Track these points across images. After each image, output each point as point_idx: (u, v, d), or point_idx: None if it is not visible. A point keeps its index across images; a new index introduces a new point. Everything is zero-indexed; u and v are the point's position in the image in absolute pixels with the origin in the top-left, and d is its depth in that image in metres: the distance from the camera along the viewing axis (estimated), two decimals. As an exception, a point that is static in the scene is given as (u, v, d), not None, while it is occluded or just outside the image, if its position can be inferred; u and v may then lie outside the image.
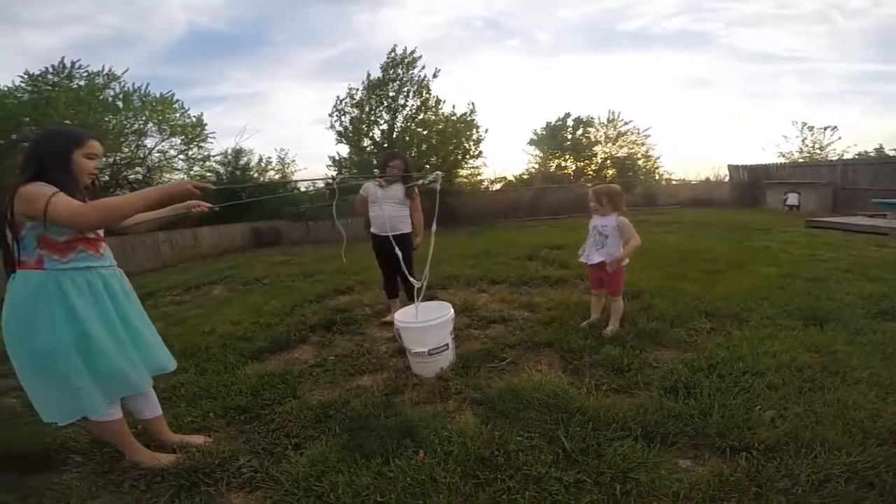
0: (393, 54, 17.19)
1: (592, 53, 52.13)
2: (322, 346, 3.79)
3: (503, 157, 60.89)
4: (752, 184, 18.65)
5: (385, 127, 17.50)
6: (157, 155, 18.19)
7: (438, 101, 17.58)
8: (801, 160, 21.40)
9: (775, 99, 45.54)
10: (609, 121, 24.67)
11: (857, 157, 19.42)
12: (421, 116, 17.39)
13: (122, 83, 16.02)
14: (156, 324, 2.35)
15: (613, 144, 24.79)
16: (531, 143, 25.69)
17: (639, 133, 24.66)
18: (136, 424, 2.32)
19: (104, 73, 15.58)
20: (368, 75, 17.26)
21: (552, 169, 24.88)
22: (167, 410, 2.43)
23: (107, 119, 15.20)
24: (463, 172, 18.72)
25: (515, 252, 7.98)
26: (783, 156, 23.15)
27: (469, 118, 17.85)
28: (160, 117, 17.30)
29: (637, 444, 2.00)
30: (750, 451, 1.92)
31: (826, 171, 15.68)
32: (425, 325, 2.98)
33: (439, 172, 3.61)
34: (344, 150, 18.45)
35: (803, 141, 23.08)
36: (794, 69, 44.47)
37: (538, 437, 2.12)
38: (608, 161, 24.53)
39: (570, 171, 24.87)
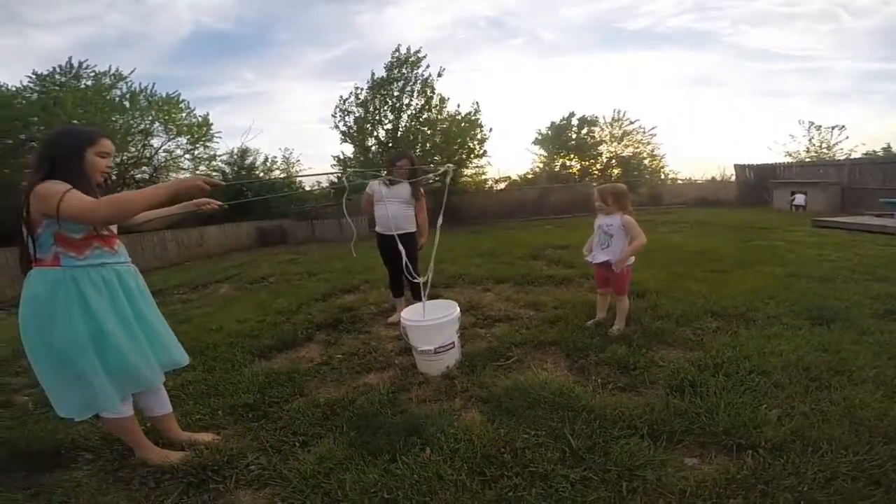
0: (397, 54, 17.20)
1: (597, 52, 52.16)
2: (328, 344, 3.81)
3: (507, 156, 60.87)
4: (758, 183, 18.57)
5: (390, 126, 17.51)
6: (163, 154, 18.29)
7: (443, 100, 17.57)
8: (808, 160, 21.28)
9: (782, 98, 45.45)
10: (614, 120, 24.63)
11: (864, 156, 19.29)
12: (425, 116, 17.38)
13: (129, 83, 16.14)
14: (164, 322, 2.36)
15: (619, 144, 24.74)
16: (535, 142, 25.68)
17: (644, 132, 24.62)
18: (145, 422, 2.35)
19: (111, 73, 15.69)
20: (373, 74, 17.28)
21: (557, 168, 24.87)
22: (176, 408, 2.45)
23: (114, 119, 15.28)
24: (467, 172, 18.72)
25: (520, 251, 7.99)
26: (790, 155, 23.03)
27: (473, 117, 17.84)
28: (166, 117, 17.39)
29: (643, 442, 2.00)
30: (756, 449, 1.92)
31: (833, 171, 15.59)
32: (431, 323, 3.00)
33: (451, 165, 3.62)
34: (348, 149, 18.50)
35: (810, 140, 22.96)
36: (800, 68, 44.37)
37: (544, 435, 2.12)
38: (613, 160, 24.49)
39: (574, 170, 24.85)
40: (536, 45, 52.16)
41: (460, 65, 50.71)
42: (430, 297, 3.36)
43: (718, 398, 2.29)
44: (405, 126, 17.33)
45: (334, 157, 18.90)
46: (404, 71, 17.25)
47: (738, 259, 6.16)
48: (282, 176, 21.01)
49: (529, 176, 25.62)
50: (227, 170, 19.58)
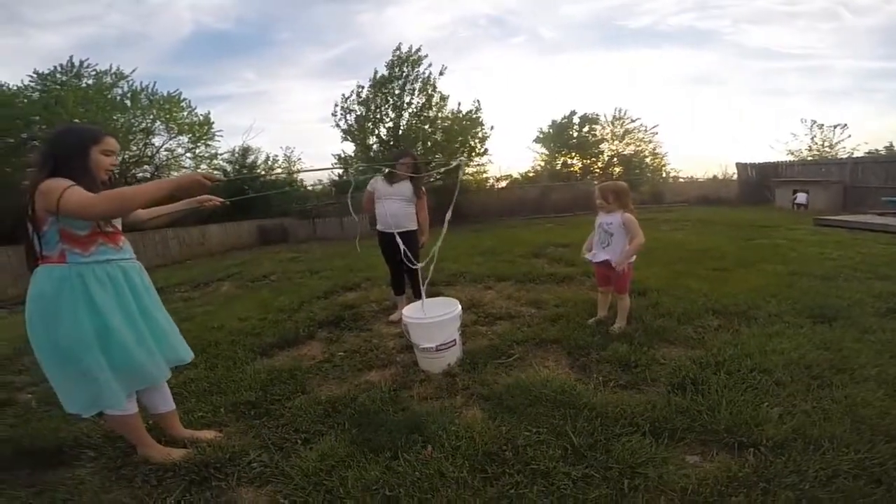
0: (398, 52, 17.20)
1: (598, 50, 52.10)
2: (330, 341, 3.81)
3: (509, 154, 60.91)
4: (760, 182, 18.53)
5: (391, 125, 17.51)
6: (164, 153, 18.35)
7: (443, 98, 17.57)
8: (810, 158, 21.24)
9: (783, 96, 45.40)
10: (615, 118, 24.62)
11: (866, 154, 19.24)
12: (426, 114, 17.38)
13: (130, 82, 16.15)
14: (166, 320, 2.37)
15: (620, 142, 24.73)
16: (537, 140, 25.68)
17: (646, 130, 24.60)
18: (148, 419, 2.35)
19: (112, 72, 15.71)
20: (376, 73, 17.29)
21: (558, 167, 24.86)
22: (178, 406, 2.45)
23: (115, 117, 15.31)
24: (469, 170, 18.72)
25: (521, 249, 7.99)
26: (792, 153, 23.00)
27: (474, 116, 17.84)
28: (168, 116, 17.42)
29: (645, 440, 2.01)
30: (758, 447, 1.92)
31: (836, 170, 15.56)
32: (433, 320, 3.00)
33: (463, 157, 3.63)
34: (349, 148, 18.52)
35: (812, 139, 22.93)
36: (802, 66, 44.29)
37: (546, 433, 2.12)
38: (615, 158, 24.47)
39: (576, 168, 24.84)
40: (537, 43, 52.21)
41: (461, 63, 50.87)
42: (432, 295, 3.36)
43: (720, 396, 2.29)
44: (406, 124, 17.33)
45: (335, 156, 18.93)
46: (405, 69, 17.25)
47: (739, 257, 6.15)
48: (282, 175, 21.01)
49: (531, 174, 25.64)
50: (229, 168, 19.60)
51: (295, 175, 20.31)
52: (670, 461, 1.89)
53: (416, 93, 17.49)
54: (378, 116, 17.63)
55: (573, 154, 24.81)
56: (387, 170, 4.19)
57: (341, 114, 17.94)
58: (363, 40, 48.09)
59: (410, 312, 3.21)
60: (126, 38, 33.39)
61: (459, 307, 3.18)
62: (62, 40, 32.41)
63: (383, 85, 17.32)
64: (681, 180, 24.35)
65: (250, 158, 20.38)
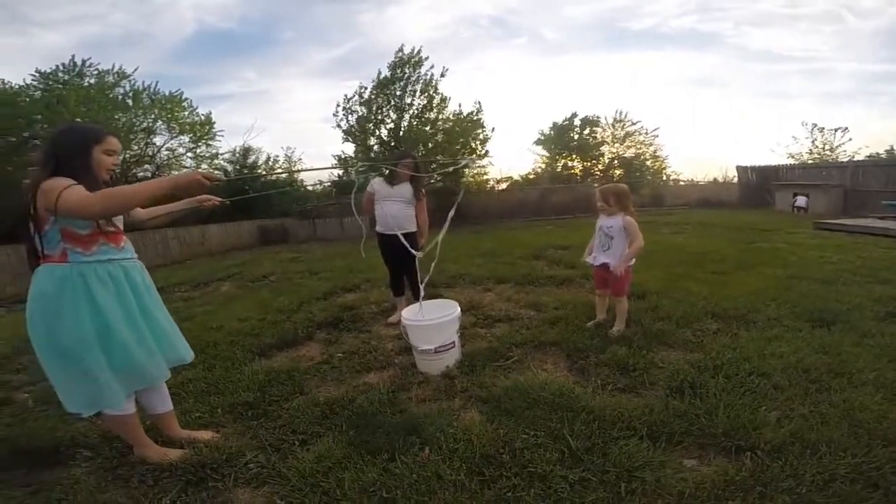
0: (401, 54, 17.22)
1: (600, 52, 52.17)
2: (329, 343, 3.81)
3: (509, 156, 61.04)
4: (760, 185, 18.53)
5: (392, 126, 17.53)
6: (165, 153, 18.36)
7: (444, 99, 17.59)
8: (810, 161, 21.24)
9: (785, 99, 45.44)
10: (616, 121, 24.62)
11: (867, 158, 19.24)
12: (427, 115, 17.40)
13: (132, 81, 16.17)
14: (165, 320, 2.37)
15: (621, 144, 24.74)
16: (538, 142, 25.69)
17: (646, 133, 24.61)
18: (145, 419, 2.35)
19: (114, 71, 15.73)
20: (379, 73, 17.31)
21: (559, 169, 24.86)
22: (176, 406, 2.45)
23: (117, 117, 15.32)
24: (469, 171, 18.73)
25: (521, 251, 8.00)
26: (792, 157, 23.01)
27: (476, 117, 17.85)
28: (169, 115, 17.43)
29: (642, 444, 2.00)
30: (755, 451, 1.92)
31: (836, 173, 15.56)
32: (432, 322, 3.00)
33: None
34: (350, 149, 18.52)
35: (813, 142, 22.93)
36: (804, 69, 44.34)
37: (543, 436, 2.12)
38: (615, 161, 24.47)
39: (576, 170, 24.84)
40: (539, 44, 52.31)
41: (462, 64, 51.07)
42: (431, 297, 3.36)
43: (718, 400, 2.29)
44: (407, 125, 17.34)
45: (335, 157, 18.94)
46: (407, 70, 17.26)
47: (739, 261, 6.15)
48: (283, 175, 21.02)
49: (531, 176, 25.64)
50: (230, 168, 19.62)
51: (295, 175, 20.32)
52: (668, 465, 1.88)
53: (418, 94, 17.51)
54: (379, 117, 17.64)
55: (574, 156, 24.81)
56: (387, 171, 4.19)
57: (343, 114, 17.96)
58: (365, 40, 48.28)
59: (409, 314, 3.21)
60: (129, 37, 33.50)
61: (458, 309, 3.18)
62: (65, 39, 32.55)
63: (385, 86, 17.34)
64: (681, 183, 24.35)
65: (251, 158, 20.40)
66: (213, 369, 3.27)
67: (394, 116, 17.53)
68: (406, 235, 4.00)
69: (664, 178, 25.19)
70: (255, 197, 13.85)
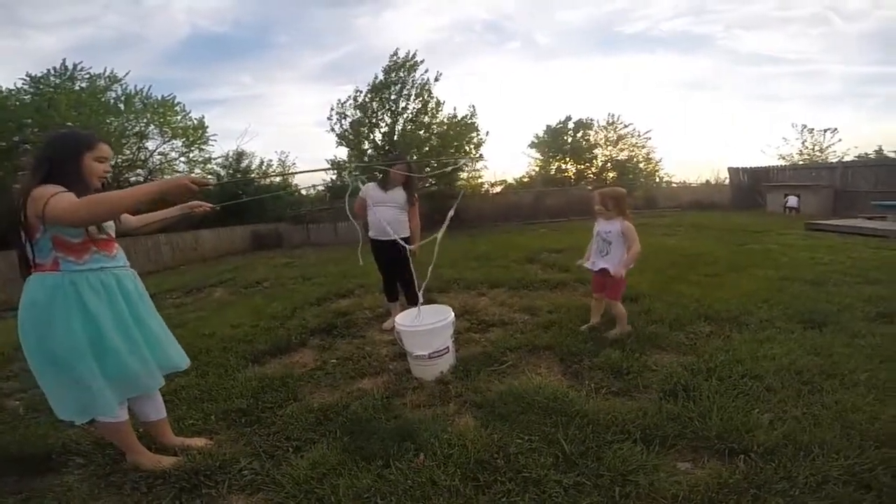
0: (395, 58, 17.24)
1: (593, 56, 52.47)
2: (323, 349, 3.80)
3: (504, 159, 61.24)
4: (752, 186, 18.65)
5: (386, 130, 17.54)
6: (158, 157, 18.28)
7: (439, 104, 17.62)
8: (801, 162, 21.41)
9: (776, 101, 45.83)
10: (609, 123, 24.73)
11: (857, 158, 19.42)
12: (422, 119, 17.42)
13: (124, 85, 16.12)
14: (157, 326, 2.35)
15: (614, 147, 24.84)
16: (532, 145, 25.77)
17: (639, 136, 24.73)
18: (137, 427, 2.33)
19: (106, 75, 15.68)
20: (376, 77, 17.32)
21: (552, 172, 24.93)
22: (169, 413, 2.43)
23: (108, 121, 15.25)
24: (463, 175, 18.75)
25: (515, 255, 8.01)
26: (783, 158, 23.18)
27: (470, 121, 17.88)
28: (161, 119, 17.38)
29: (636, 447, 2.01)
30: (748, 453, 1.93)
31: (826, 174, 15.69)
32: (426, 328, 2.99)
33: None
34: (344, 153, 18.49)
35: (803, 143, 23.12)
36: (794, 71, 44.77)
37: (538, 440, 2.12)
38: (608, 164, 24.57)
39: (570, 173, 24.92)
40: (533, 48, 52.51)
41: (457, 69, 51.13)
42: (426, 302, 3.35)
43: (711, 402, 2.30)
44: (401, 129, 17.35)
45: (328, 161, 18.92)
46: (401, 75, 17.29)
47: (731, 262, 6.18)
48: (276, 178, 20.96)
49: (525, 179, 25.72)
50: (223, 173, 19.57)
51: (288, 177, 20.30)
52: (661, 468, 1.89)
53: (412, 98, 17.53)
54: (374, 121, 17.65)
55: (567, 159, 24.89)
56: (380, 175, 4.18)
57: (336, 118, 17.95)
58: (360, 44, 48.28)
59: (403, 320, 3.20)
60: (123, 39, 33.46)
61: (452, 315, 3.17)
62: (58, 42, 32.39)
63: (380, 90, 17.35)
64: (674, 185, 24.47)
65: (244, 163, 20.36)
66: (206, 376, 3.25)
67: (389, 121, 17.54)
68: (400, 240, 4.00)
69: (657, 180, 25.31)
70: (247, 202, 13.82)
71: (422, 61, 17.30)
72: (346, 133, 17.83)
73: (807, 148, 22.94)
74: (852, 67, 45.46)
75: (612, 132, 24.70)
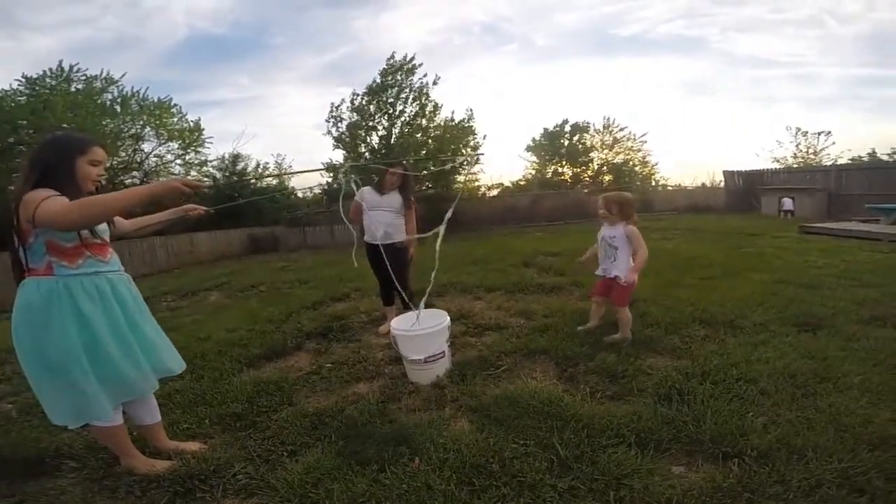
0: (392, 60, 17.27)
1: (590, 58, 52.67)
2: (318, 353, 3.79)
3: (501, 162, 61.32)
4: (747, 190, 18.75)
5: (383, 133, 17.55)
6: (154, 159, 18.25)
7: (436, 107, 17.66)
8: (795, 165, 21.53)
9: (771, 103, 46.11)
10: (605, 127, 24.84)
11: (851, 161, 19.54)
12: (418, 122, 17.45)
13: (121, 87, 16.10)
14: (151, 330, 2.35)
15: (609, 150, 24.94)
16: (528, 149, 25.87)
17: (634, 139, 24.84)
18: (132, 430, 2.32)
19: (102, 76, 15.66)
20: (374, 81, 17.35)
21: (549, 175, 25.02)
22: (163, 417, 2.42)
23: (104, 123, 15.21)
24: (460, 178, 18.78)
25: (512, 259, 8.01)
26: (777, 161, 23.31)
27: (467, 124, 17.91)
28: (158, 122, 17.36)
29: (631, 451, 2.01)
30: (742, 457, 1.93)
31: (820, 177, 15.81)
32: (421, 332, 2.99)
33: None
34: (340, 156, 18.52)
35: (797, 146, 23.28)
36: (789, 74, 45.04)
37: (533, 445, 2.12)
38: (604, 167, 24.67)
39: (566, 176, 25.01)
40: (530, 50, 52.68)
41: (455, 71, 51.24)
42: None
43: (705, 406, 2.31)
44: (398, 133, 17.38)
45: (324, 164, 18.94)
46: (399, 77, 17.31)
47: (727, 266, 6.21)
48: (272, 179, 20.94)
49: (522, 182, 25.79)
50: (219, 175, 19.55)
51: (283, 180, 20.29)
52: (656, 472, 1.89)
53: (409, 101, 17.55)
54: (371, 124, 17.67)
55: (564, 162, 24.98)
56: (376, 179, 4.17)
57: (333, 122, 17.97)
58: (358, 46, 48.34)
59: (399, 324, 3.20)
60: (120, 41, 33.41)
61: (448, 319, 3.17)
62: (56, 43, 32.38)
63: (377, 93, 17.37)
64: (669, 188, 24.57)
65: (240, 165, 20.34)
66: (201, 380, 3.24)
67: (386, 124, 17.56)
68: (395, 245, 4.00)
69: (653, 183, 25.42)
70: (243, 204, 13.79)
71: (420, 64, 17.35)
72: (343, 136, 17.84)
73: (801, 151, 23.11)
74: (847, 70, 45.80)
75: (608, 135, 24.81)
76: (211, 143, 19.44)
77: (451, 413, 2.57)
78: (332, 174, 16.52)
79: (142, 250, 12.45)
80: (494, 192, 23.32)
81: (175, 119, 18.04)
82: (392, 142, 17.18)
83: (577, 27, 51.66)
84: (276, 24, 46.12)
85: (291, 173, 21.36)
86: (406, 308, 3.67)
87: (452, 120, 17.95)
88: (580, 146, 24.59)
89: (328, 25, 48.34)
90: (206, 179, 18.91)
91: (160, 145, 18.11)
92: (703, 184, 23.54)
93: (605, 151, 25.15)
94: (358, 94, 17.68)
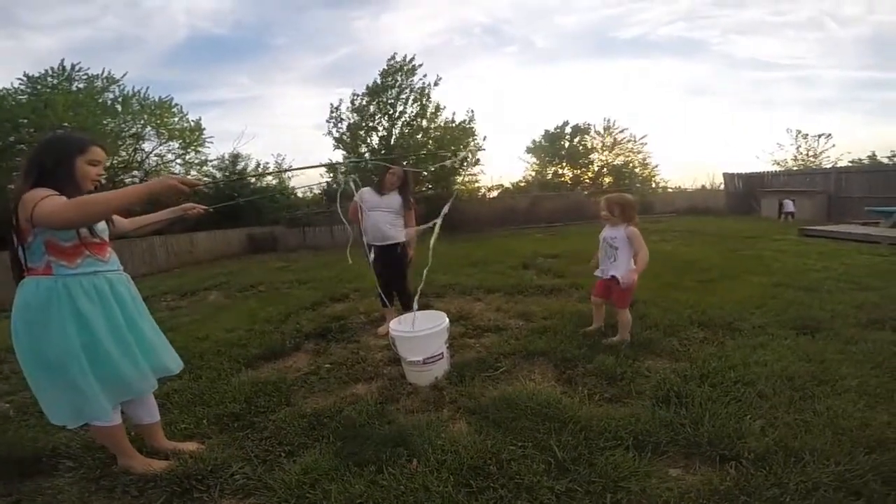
0: (392, 61, 17.29)
1: (590, 60, 52.73)
2: (317, 353, 3.79)
3: (501, 164, 61.35)
4: (747, 192, 18.76)
5: (383, 133, 17.57)
6: (154, 159, 18.24)
7: (438, 108, 17.68)
8: (795, 168, 21.55)
9: (771, 106, 46.22)
10: (605, 129, 24.86)
11: (850, 164, 19.56)
12: (419, 122, 17.47)
13: (122, 86, 16.12)
14: (150, 330, 2.35)
15: (610, 152, 24.96)
16: (528, 150, 25.88)
17: (635, 141, 24.86)
18: (130, 430, 2.32)
19: (103, 76, 15.67)
20: (374, 82, 17.37)
21: (549, 176, 25.03)
22: (161, 417, 2.42)
23: (105, 122, 15.22)
24: (460, 179, 18.82)
25: (511, 260, 8.02)
26: (777, 164, 23.34)
27: (468, 125, 17.93)
28: (158, 121, 17.37)
29: (628, 454, 2.01)
30: (740, 460, 1.93)
31: (820, 179, 15.82)
32: (420, 334, 2.99)
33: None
34: (341, 156, 18.53)
35: (797, 149, 23.31)
36: (789, 76, 45.10)
37: (531, 447, 2.12)
38: (604, 169, 24.68)
39: (566, 178, 25.02)
40: (530, 52, 52.73)
41: (455, 71, 51.31)
42: (421, 308, 3.34)
43: (703, 409, 2.31)
44: (399, 133, 17.39)
45: (324, 165, 18.94)
46: (399, 78, 17.33)
47: (726, 268, 6.22)
48: (268, 175, 20.95)
49: (522, 184, 25.80)
50: (218, 175, 19.56)
51: (283, 180, 20.30)
52: (653, 475, 1.89)
53: (410, 102, 17.57)
54: (371, 125, 17.68)
55: (564, 164, 24.99)
56: (376, 179, 4.17)
57: (333, 122, 17.99)
58: (359, 46, 48.41)
59: (397, 325, 3.20)
60: (121, 41, 33.46)
61: (447, 320, 3.17)
62: (56, 43, 32.45)
63: (377, 94, 17.38)
64: (669, 190, 24.60)
65: (240, 165, 20.35)
66: (199, 380, 3.24)
67: (386, 124, 17.58)
68: (395, 246, 3.99)
69: (653, 185, 25.44)
70: (243, 204, 13.79)
71: (420, 65, 17.37)
72: (344, 137, 17.86)
73: (801, 153, 23.13)
74: (847, 72, 45.89)
75: (609, 137, 24.84)
76: (211, 142, 19.47)
77: (449, 414, 2.57)
78: (331, 174, 16.53)
79: (141, 250, 12.44)
80: (494, 194, 23.33)
81: (176, 119, 18.05)
82: (392, 142, 17.19)
83: (578, 29, 51.82)
84: (277, 24, 46.22)
85: (290, 169, 21.32)
86: (405, 309, 3.67)
87: (453, 121, 17.98)
88: (580, 148, 24.59)
89: (328, 26, 48.44)
90: (205, 179, 18.90)
91: (161, 145, 18.15)
92: (703, 186, 23.59)
93: (606, 153, 25.16)
94: (358, 95, 17.70)
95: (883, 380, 2.59)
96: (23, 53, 29.15)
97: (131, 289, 2.16)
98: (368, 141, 17.85)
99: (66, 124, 12.69)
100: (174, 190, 1.94)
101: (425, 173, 14.38)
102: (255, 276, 9.18)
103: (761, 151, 39.92)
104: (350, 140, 17.83)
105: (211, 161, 19.87)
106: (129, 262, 11.39)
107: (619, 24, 50.82)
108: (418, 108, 17.52)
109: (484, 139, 18.24)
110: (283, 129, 49.65)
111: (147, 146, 17.88)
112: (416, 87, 17.47)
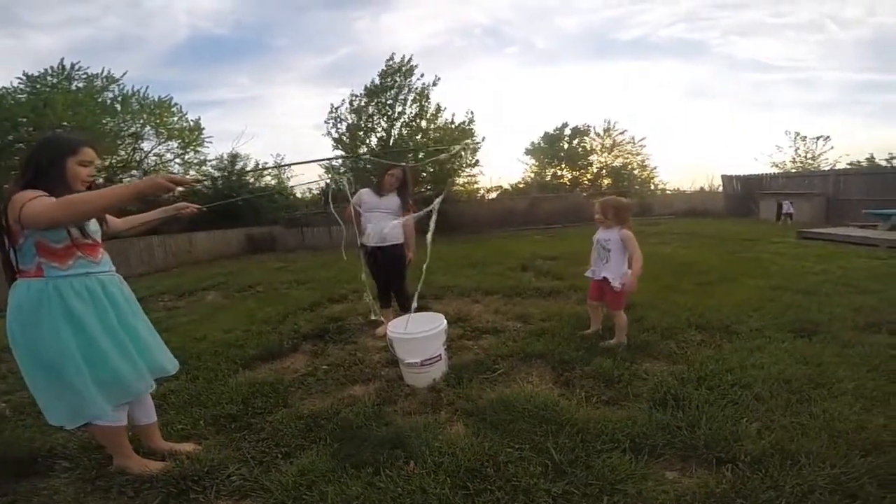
0: (391, 62, 17.30)
1: (590, 61, 52.82)
2: (314, 354, 3.79)
3: (499, 164, 61.40)
4: (745, 194, 18.78)
5: (382, 134, 17.58)
6: (153, 158, 18.23)
7: (438, 109, 17.69)
8: (793, 170, 21.58)
9: (771, 108, 46.31)
10: (605, 130, 24.88)
11: (849, 166, 19.59)
12: (418, 123, 17.48)
13: (121, 86, 16.11)
14: (146, 330, 2.34)
15: (609, 154, 24.98)
16: (528, 152, 25.89)
17: (634, 143, 24.89)
18: (127, 430, 2.32)
19: (103, 75, 15.66)
20: (373, 82, 17.38)
21: (548, 178, 25.05)
22: (158, 417, 2.41)
23: (104, 121, 15.20)
24: (460, 181, 18.83)
25: (510, 262, 8.02)
26: (776, 166, 23.38)
27: (467, 127, 17.94)
28: (158, 121, 17.35)
29: (625, 456, 2.01)
30: (736, 462, 1.94)
31: (819, 182, 15.84)
32: (418, 336, 2.99)
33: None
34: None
35: (796, 151, 23.34)
36: (791, 78, 45.19)
37: (528, 449, 2.12)
38: (603, 171, 24.70)
39: (565, 179, 25.03)
40: (530, 53, 52.80)
41: (455, 72, 51.34)
42: (419, 310, 3.34)
43: (700, 411, 2.31)
44: (397, 134, 17.40)
45: (322, 167, 18.97)
46: (398, 79, 17.35)
47: (724, 271, 6.22)
48: (266, 172, 20.91)
49: (521, 185, 25.81)
50: (217, 174, 19.55)
51: (282, 180, 20.27)
52: (650, 477, 1.89)
53: (409, 103, 17.58)
54: (370, 125, 17.69)
55: (563, 166, 25.01)
56: (374, 180, 4.16)
57: (332, 123, 18.00)
58: (359, 47, 48.44)
59: (395, 327, 3.20)
60: (122, 40, 33.45)
61: (445, 322, 3.17)
62: (57, 42, 32.44)
63: (375, 94, 17.39)
64: (668, 193, 24.62)
65: (239, 165, 20.32)
66: (196, 381, 3.23)
67: (385, 125, 17.59)
68: (393, 247, 3.99)
69: (652, 187, 25.47)
70: (240, 204, 13.77)
71: (416, 65, 17.38)
72: (343, 137, 17.87)
73: (799, 155, 23.17)
74: (847, 74, 46.01)
75: (608, 139, 24.87)
76: (210, 142, 19.46)
77: (446, 416, 2.57)
78: (329, 174, 16.53)
79: (140, 249, 12.42)
80: (493, 195, 23.34)
81: (175, 118, 18.05)
82: (391, 143, 17.20)
83: (578, 31, 51.91)
84: (277, 24, 46.24)
85: (287, 164, 21.21)
86: (403, 310, 3.66)
87: (453, 122, 17.99)
88: (580, 149, 24.61)
89: (329, 26, 48.49)
90: (204, 178, 18.88)
91: (160, 144, 18.13)
92: (702, 188, 23.61)
93: (605, 155, 25.19)
94: (357, 96, 17.72)
95: (879, 383, 2.59)
96: (23, 53, 29.18)
97: (124, 289, 2.16)
98: (367, 141, 17.86)
99: (65, 123, 12.70)
100: (162, 188, 1.92)
101: (424, 174, 14.35)
102: (253, 276, 9.17)
103: (760, 153, 39.97)
104: (349, 140, 17.83)
105: (210, 161, 19.88)
106: (127, 262, 11.38)
107: (620, 26, 50.95)
108: (417, 108, 17.54)
109: (483, 140, 18.31)
110: (283, 130, 49.67)
111: (146, 145, 17.91)
112: (415, 87, 17.50)
